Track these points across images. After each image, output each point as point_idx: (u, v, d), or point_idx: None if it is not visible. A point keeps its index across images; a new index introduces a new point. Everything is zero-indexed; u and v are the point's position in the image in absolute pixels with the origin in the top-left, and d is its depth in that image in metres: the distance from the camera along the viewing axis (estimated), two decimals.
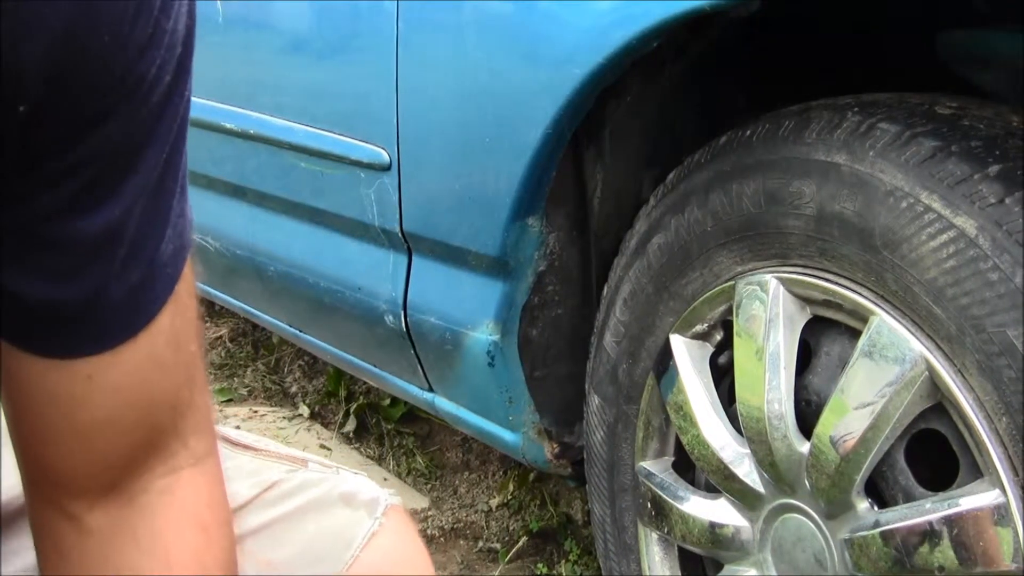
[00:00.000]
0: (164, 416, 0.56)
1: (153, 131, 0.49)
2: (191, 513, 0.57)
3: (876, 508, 0.93)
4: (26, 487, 0.58)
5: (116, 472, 0.55)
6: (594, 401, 1.24)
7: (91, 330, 0.51)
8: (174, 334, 0.54)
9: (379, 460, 2.06)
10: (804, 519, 1.00)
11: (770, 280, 0.99)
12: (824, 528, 0.98)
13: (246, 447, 0.73)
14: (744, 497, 1.06)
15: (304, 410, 2.20)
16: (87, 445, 0.54)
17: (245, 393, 2.29)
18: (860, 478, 0.92)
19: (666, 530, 1.16)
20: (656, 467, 1.18)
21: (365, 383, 2.13)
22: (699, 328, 1.10)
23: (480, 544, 1.79)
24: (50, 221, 0.47)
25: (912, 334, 0.88)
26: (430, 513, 1.87)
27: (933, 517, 0.86)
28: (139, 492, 0.56)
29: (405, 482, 2.00)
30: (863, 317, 0.92)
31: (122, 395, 0.54)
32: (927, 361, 0.87)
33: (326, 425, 2.16)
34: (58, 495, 0.56)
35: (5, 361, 0.52)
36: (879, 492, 0.94)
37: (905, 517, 0.88)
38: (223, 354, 2.45)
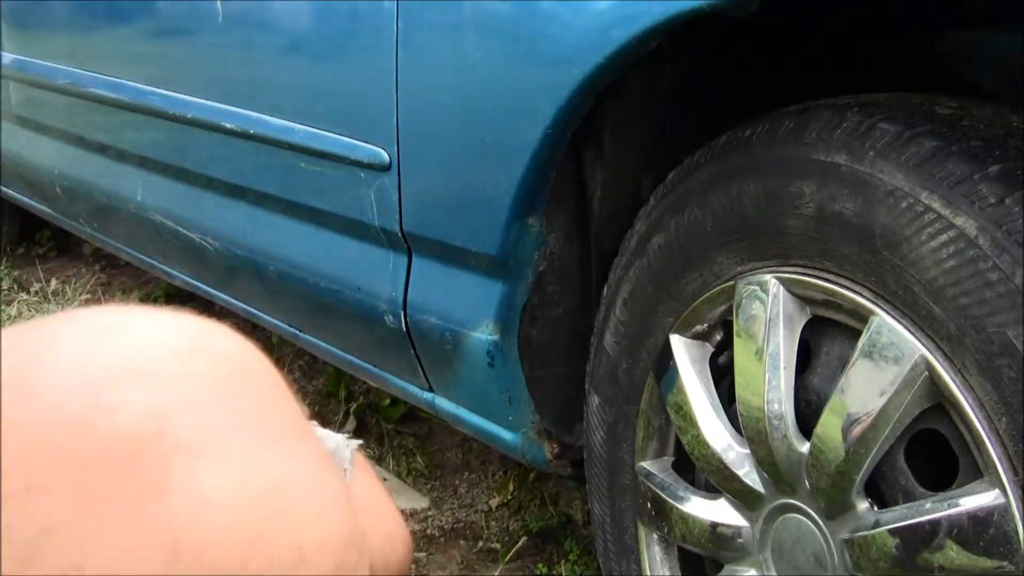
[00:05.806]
0: None
1: None
2: None
3: (876, 508, 0.93)
4: None
5: None
6: (594, 401, 1.24)
7: None
8: None
9: (379, 460, 2.06)
10: (804, 519, 1.00)
11: (770, 280, 0.99)
12: (824, 528, 0.98)
13: None
14: (744, 497, 1.06)
15: (304, 410, 2.20)
16: None
17: None
18: (860, 478, 0.92)
19: (666, 530, 1.16)
20: (656, 467, 1.18)
21: (365, 383, 2.13)
22: (699, 328, 1.10)
23: (480, 544, 1.79)
24: None
25: (912, 334, 0.88)
26: (430, 513, 1.87)
27: (933, 517, 0.86)
28: None
29: (405, 482, 2.00)
30: (863, 317, 0.92)
31: None
32: (927, 361, 0.87)
33: (326, 425, 2.15)
34: None
35: None
36: (879, 492, 0.94)
37: (905, 517, 0.88)
38: None
